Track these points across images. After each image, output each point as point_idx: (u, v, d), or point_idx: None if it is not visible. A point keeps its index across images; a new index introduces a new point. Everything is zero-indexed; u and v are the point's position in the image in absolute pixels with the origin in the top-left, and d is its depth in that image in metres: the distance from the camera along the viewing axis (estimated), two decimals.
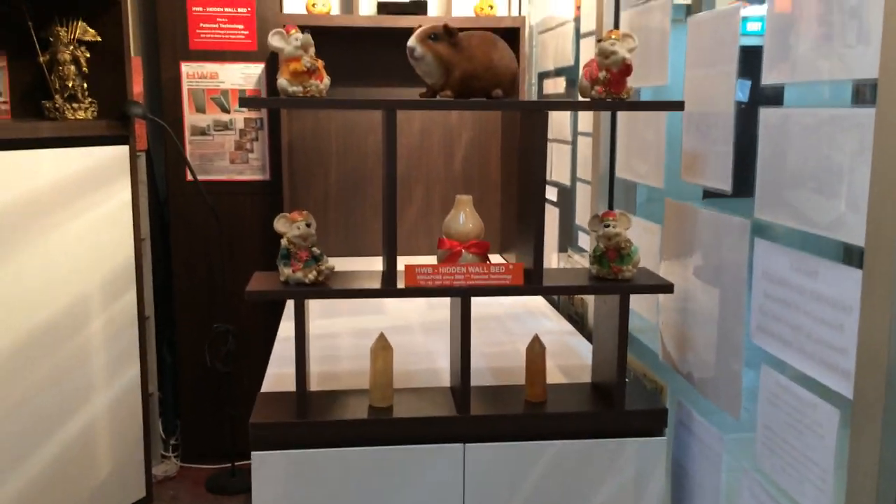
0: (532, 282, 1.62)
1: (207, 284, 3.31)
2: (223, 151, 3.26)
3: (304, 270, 1.59)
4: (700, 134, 1.63)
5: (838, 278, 1.17)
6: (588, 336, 2.27)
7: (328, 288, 1.59)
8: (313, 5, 2.97)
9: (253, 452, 1.61)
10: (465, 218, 1.64)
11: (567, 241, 2.70)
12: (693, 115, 1.65)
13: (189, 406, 3.38)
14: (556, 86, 2.75)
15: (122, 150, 2.86)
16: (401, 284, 1.58)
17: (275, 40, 1.55)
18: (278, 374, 1.91)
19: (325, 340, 2.20)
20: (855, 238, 1.12)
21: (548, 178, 2.84)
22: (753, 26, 1.56)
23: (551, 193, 2.81)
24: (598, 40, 1.56)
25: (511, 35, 2.98)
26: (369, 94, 3.26)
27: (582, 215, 2.45)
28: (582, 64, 2.39)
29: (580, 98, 1.63)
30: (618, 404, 1.67)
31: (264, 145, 3.28)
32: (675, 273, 1.76)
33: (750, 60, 1.43)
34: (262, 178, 3.30)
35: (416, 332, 2.26)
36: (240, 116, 3.25)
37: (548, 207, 2.83)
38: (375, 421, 1.63)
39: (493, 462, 1.66)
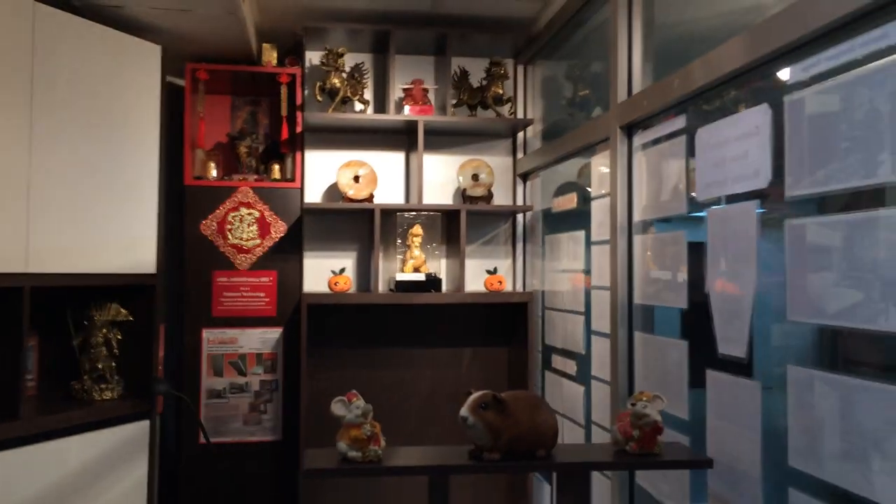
0: None
1: None
2: (237, 413, 3.34)
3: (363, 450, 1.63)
4: (726, 482, 1.75)
5: None
6: None
7: (385, 466, 1.63)
8: (336, 283, 3.15)
9: None
10: None
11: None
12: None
13: None
14: (565, 365, 2.92)
15: (143, 427, 2.92)
16: None
17: (337, 408, 1.68)
18: None
19: None
20: None
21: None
22: None
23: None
24: (632, 404, 1.71)
25: (520, 309, 3.18)
26: (384, 355, 3.40)
27: None
28: (593, 356, 2.57)
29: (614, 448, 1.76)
30: None
31: (278, 406, 3.37)
32: None
33: None
34: (273, 439, 3.36)
35: None
36: (255, 379, 3.35)
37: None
38: None
39: None
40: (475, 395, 1.69)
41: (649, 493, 2.13)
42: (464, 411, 1.67)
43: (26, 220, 2.49)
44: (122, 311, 2.90)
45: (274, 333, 3.38)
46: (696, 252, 1.92)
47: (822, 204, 1.48)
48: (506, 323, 3.41)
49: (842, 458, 1.37)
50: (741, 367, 1.71)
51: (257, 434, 3.35)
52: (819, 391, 1.44)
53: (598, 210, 2.57)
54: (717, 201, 1.83)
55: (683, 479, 1.97)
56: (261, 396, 3.36)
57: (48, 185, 2.56)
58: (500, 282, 3.24)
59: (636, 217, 2.29)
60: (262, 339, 3.37)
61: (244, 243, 3.37)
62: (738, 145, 1.72)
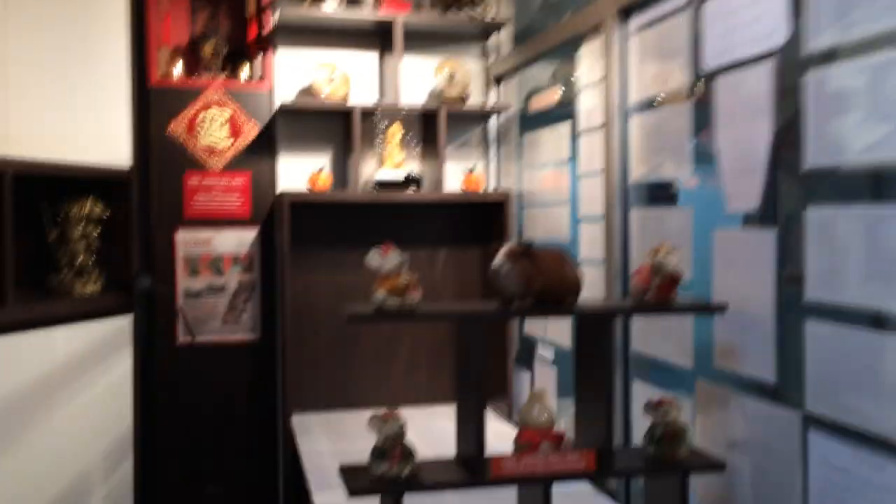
0: (603, 467, 1.79)
1: (192, 445, 3.29)
2: (215, 313, 3.32)
3: (401, 466, 1.71)
4: (736, 328, 1.89)
5: None
6: (609, 493, 2.44)
7: (425, 482, 1.71)
8: (316, 181, 3.15)
9: None
10: (539, 410, 1.81)
11: (567, 399, 2.90)
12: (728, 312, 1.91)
13: None
14: None
15: (125, 321, 2.89)
16: (488, 477, 1.72)
17: (373, 260, 1.71)
18: None
19: None
20: None
21: (544, 336, 3.06)
22: None
23: (548, 352, 3.02)
24: (654, 253, 1.82)
25: (500, 207, 3.26)
26: (362, 256, 3.42)
27: None
28: (581, 242, 2.67)
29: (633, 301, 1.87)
30: None
31: (256, 306, 3.37)
32: (714, 447, 1.96)
33: None
34: (252, 338, 3.37)
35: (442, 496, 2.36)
36: (233, 279, 3.34)
37: (545, 367, 3.04)
38: None
39: None
40: (507, 245, 1.76)
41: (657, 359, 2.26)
42: (499, 260, 1.73)
43: (6, 107, 2.40)
44: (99, 206, 2.84)
45: (250, 234, 3.36)
46: (702, 120, 2.02)
47: (842, 51, 1.58)
48: (481, 224, 3.48)
49: (865, 281, 1.51)
50: (754, 219, 1.83)
51: (237, 333, 3.35)
52: (842, 226, 1.56)
53: (587, 99, 2.64)
54: (726, 68, 1.92)
55: (686, 334, 2.10)
56: (239, 296, 3.35)
57: (26, 74, 2.47)
58: (479, 181, 3.30)
59: (632, 99, 2.37)
60: (238, 240, 3.35)
61: (216, 144, 3.32)
62: (751, 9, 1.81)
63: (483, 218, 3.46)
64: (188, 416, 3.28)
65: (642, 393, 2.27)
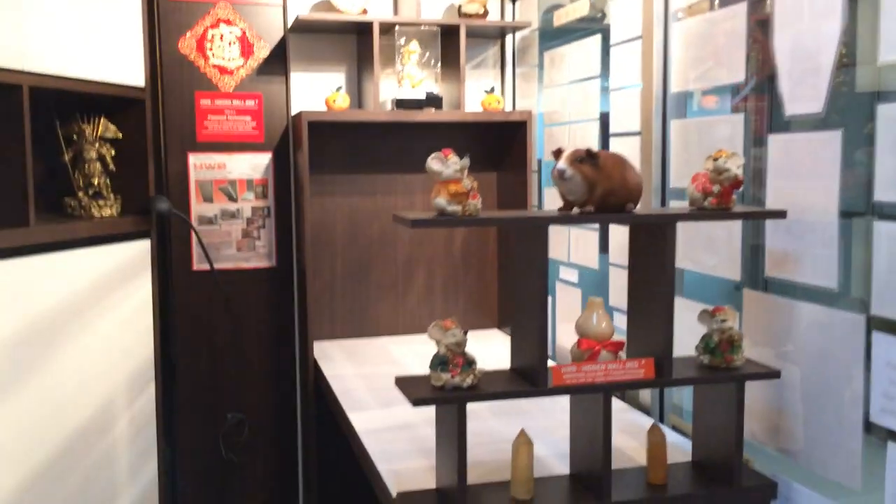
0: (663, 375, 1.78)
1: (210, 373, 3.26)
2: (230, 240, 3.26)
3: (462, 375, 1.68)
4: (792, 236, 1.86)
5: None
6: (641, 408, 2.45)
7: (487, 391, 1.69)
8: (333, 101, 3.06)
9: None
10: (598, 318, 1.79)
11: None
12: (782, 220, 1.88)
13: (193, 502, 3.27)
14: None
15: (144, 245, 2.82)
16: (549, 384, 1.70)
17: (434, 164, 1.66)
18: (397, 471, 1.95)
19: (411, 431, 2.25)
20: None
21: (568, 259, 3.04)
22: None
23: (572, 275, 3.00)
24: (714, 159, 1.77)
25: (519, 128, 3.19)
26: (378, 181, 3.37)
27: (616, 297, 2.63)
28: None
29: (691, 207, 1.83)
30: (736, 481, 1.85)
31: (271, 232, 3.30)
32: (762, 358, 1.96)
33: None
34: (267, 265, 3.31)
35: (485, 418, 2.35)
36: (247, 205, 3.26)
37: (569, 288, 3.02)
38: None
39: None
40: (569, 150, 1.71)
41: (695, 272, 2.24)
42: (562, 164, 1.68)
43: (20, 22, 2.28)
44: (112, 126, 2.73)
45: (263, 159, 3.27)
46: (758, 21, 1.96)
47: None
48: (500, 146, 3.42)
49: None
50: (816, 123, 1.79)
51: (251, 260, 3.29)
52: None
53: (622, 9, 2.56)
54: None
55: (733, 245, 2.08)
56: (253, 223, 3.28)
57: None
58: (499, 101, 3.23)
59: (674, 5, 2.30)
60: (251, 165, 3.26)
61: (226, 63, 3.20)
62: None
63: (502, 139, 3.40)
64: (206, 342, 3.24)
65: (682, 308, 2.25)
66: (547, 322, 1.73)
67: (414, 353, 3.16)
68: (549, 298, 3.17)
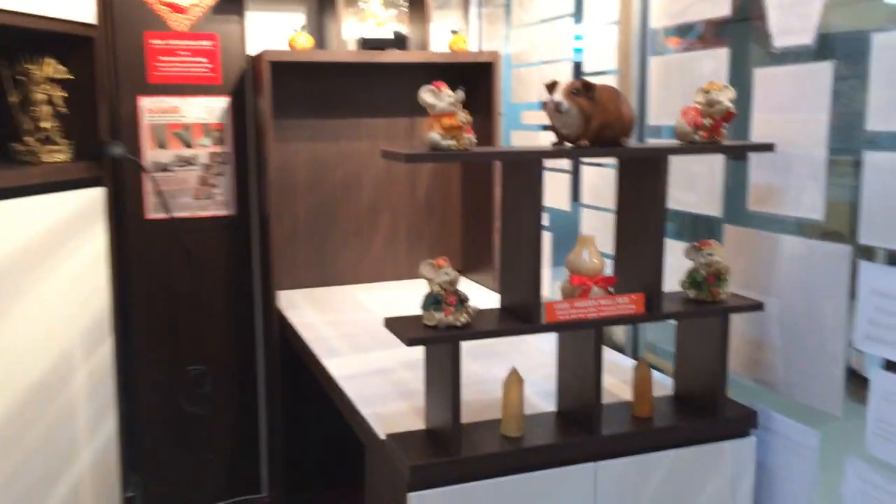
0: (653, 310, 1.78)
1: (170, 326, 3.16)
2: (186, 188, 3.13)
3: (456, 314, 1.65)
4: (776, 169, 1.87)
5: None
6: (614, 347, 2.47)
7: (482, 329, 1.66)
8: (296, 41, 2.94)
9: (410, 494, 1.64)
10: (589, 255, 1.77)
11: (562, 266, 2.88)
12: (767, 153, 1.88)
13: (151, 455, 3.19)
14: (540, 118, 2.94)
15: (97, 193, 2.69)
16: (543, 321, 1.69)
17: (427, 96, 1.60)
18: (382, 415, 1.92)
19: (389, 375, 2.22)
20: None
21: None
22: None
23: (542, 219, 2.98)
24: (706, 91, 1.76)
25: (486, 69, 3.13)
26: (341, 126, 3.27)
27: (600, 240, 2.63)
28: None
29: (678, 141, 1.82)
30: (720, 412, 1.87)
31: (230, 180, 3.19)
32: (742, 292, 1.98)
33: None
34: (226, 213, 3.20)
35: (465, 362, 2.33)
36: (204, 151, 3.14)
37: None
38: (524, 451, 1.71)
39: (620, 477, 1.80)
40: (565, 82, 1.66)
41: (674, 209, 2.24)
42: (558, 96, 1.64)
43: None
44: (61, 66, 2.57)
45: (220, 103, 3.14)
46: None
47: None
48: (464, 89, 3.35)
49: None
50: (805, 55, 1.78)
51: (209, 209, 3.17)
52: None
53: None
54: None
55: (714, 181, 2.08)
56: (210, 169, 3.16)
57: None
58: (464, 41, 3.15)
59: None
60: (207, 109, 3.12)
61: (179, 1, 3.04)
62: None
63: (468, 82, 3.32)
64: (164, 293, 3.13)
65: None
66: (541, 259, 1.70)
67: (381, 300, 3.12)
68: None
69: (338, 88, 3.24)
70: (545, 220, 2.96)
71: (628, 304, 1.75)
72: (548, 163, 2.86)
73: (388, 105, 3.33)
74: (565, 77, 2.74)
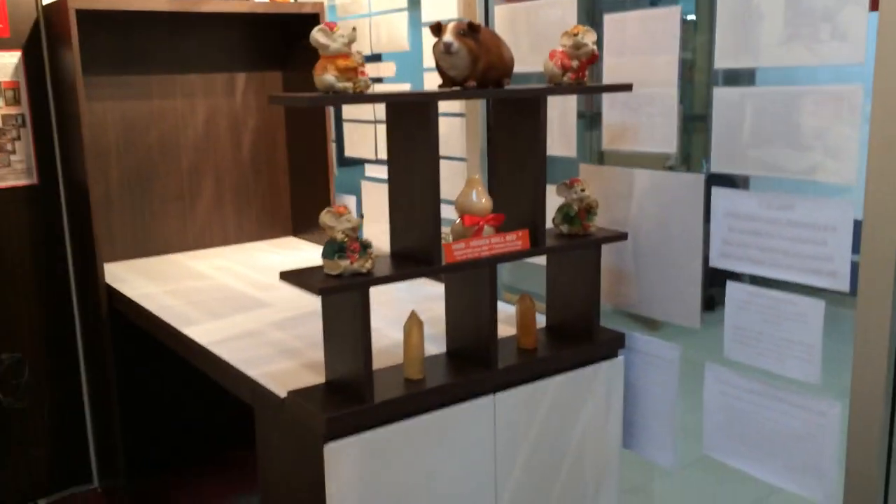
0: (538, 245, 1.87)
1: None
2: None
3: (361, 261, 1.63)
4: (629, 109, 2.03)
5: (819, 207, 1.66)
6: None
7: (388, 274, 1.66)
8: None
9: (327, 445, 1.62)
10: (478, 195, 1.81)
11: None
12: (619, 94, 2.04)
13: None
14: (382, 70, 2.93)
15: None
16: (443, 262, 1.72)
17: (320, 36, 1.55)
18: (271, 374, 1.86)
19: (259, 337, 2.14)
20: (843, 179, 1.61)
21: (376, 157, 3.01)
22: None
23: (382, 172, 2.99)
24: (573, 34, 1.86)
25: (310, 21, 3.04)
26: (160, 83, 3.04)
27: (448, 190, 2.68)
28: (426, 51, 2.64)
29: (549, 84, 1.91)
30: (595, 339, 2.02)
31: (28, 145, 2.86)
32: (604, 226, 2.14)
33: None
34: (27, 183, 2.87)
35: None
36: None
37: (380, 186, 3.01)
38: (429, 391, 1.74)
39: (515, 406, 1.90)
40: (453, 22, 1.68)
41: None
42: (448, 37, 1.65)
43: None
44: None
45: (10, 58, 2.78)
46: None
47: None
48: (286, 45, 3.25)
49: (779, 45, 1.69)
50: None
51: (7, 178, 2.82)
52: None
53: None
54: None
55: (568, 123, 2.21)
56: (5, 134, 2.81)
57: None
58: None
59: None
60: None
61: None
62: None
63: (290, 36, 3.22)
64: None
65: None
66: (439, 202, 1.72)
67: (216, 266, 2.97)
68: (354, 198, 3.15)
69: (149, 42, 3.00)
70: (384, 173, 2.97)
71: (516, 240, 1.83)
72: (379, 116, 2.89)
73: (205, 60, 3.14)
74: (402, 28, 2.75)
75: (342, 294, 1.64)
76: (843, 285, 1.66)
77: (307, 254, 3.13)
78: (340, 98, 1.57)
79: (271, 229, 3.41)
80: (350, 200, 3.20)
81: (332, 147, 3.17)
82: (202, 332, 2.20)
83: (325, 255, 1.64)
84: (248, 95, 3.26)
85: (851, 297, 1.62)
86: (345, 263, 1.62)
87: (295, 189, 3.40)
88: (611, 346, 2.08)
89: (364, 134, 3.03)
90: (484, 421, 1.85)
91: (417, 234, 1.75)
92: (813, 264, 1.70)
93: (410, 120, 1.71)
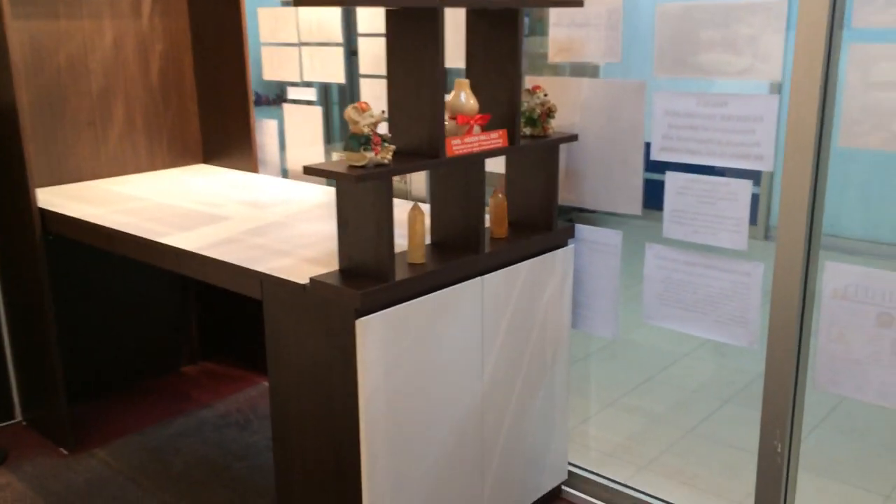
0: (515, 143, 2.12)
1: None
2: None
3: (383, 152, 1.80)
4: (576, 25, 2.30)
5: (748, 102, 2.03)
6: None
7: (406, 165, 1.84)
8: None
9: (359, 320, 1.80)
10: (466, 97, 2.02)
11: (330, 136, 3.05)
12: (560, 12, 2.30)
13: None
14: None
15: None
16: (445, 156, 1.92)
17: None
18: (279, 269, 1.98)
19: (245, 241, 2.24)
20: (771, 77, 1.99)
21: (301, 79, 3.10)
22: None
23: (307, 94, 3.09)
24: None
25: None
26: (69, 3, 2.92)
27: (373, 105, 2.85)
28: None
29: None
30: (554, 227, 2.32)
31: None
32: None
33: None
34: None
35: (300, 222, 2.43)
36: None
37: (305, 108, 3.11)
38: (432, 273, 1.96)
39: (497, 286, 2.15)
40: None
41: None
42: None
43: None
44: None
45: None
46: None
47: None
48: None
49: None
50: None
51: None
52: None
53: None
54: None
55: None
56: None
57: None
58: None
59: None
60: None
61: None
62: None
63: None
64: None
65: None
66: (443, 101, 1.91)
67: (147, 190, 2.96)
68: (275, 122, 3.24)
69: None
70: (311, 95, 3.08)
71: (497, 139, 2.06)
72: (316, 37, 2.99)
73: None
74: None
75: (365, 183, 1.80)
76: (769, 166, 2.05)
77: (229, 177, 3.17)
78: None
79: (182, 158, 3.40)
80: (270, 125, 3.26)
81: (250, 70, 3.21)
82: (181, 242, 2.26)
83: (349, 148, 1.79)
84: (155, 18, 3.21)
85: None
86: (370, 155, 1.78)
87: (204, 115, 3.39)
88: (564, 235, 2.38)
89: (287, 56, 3.10)
90: (474, 299, 2.09)
91: (424, 132, 1.93)
92: (743, 150, 2.08)
93: (413, 26, 1.87)
